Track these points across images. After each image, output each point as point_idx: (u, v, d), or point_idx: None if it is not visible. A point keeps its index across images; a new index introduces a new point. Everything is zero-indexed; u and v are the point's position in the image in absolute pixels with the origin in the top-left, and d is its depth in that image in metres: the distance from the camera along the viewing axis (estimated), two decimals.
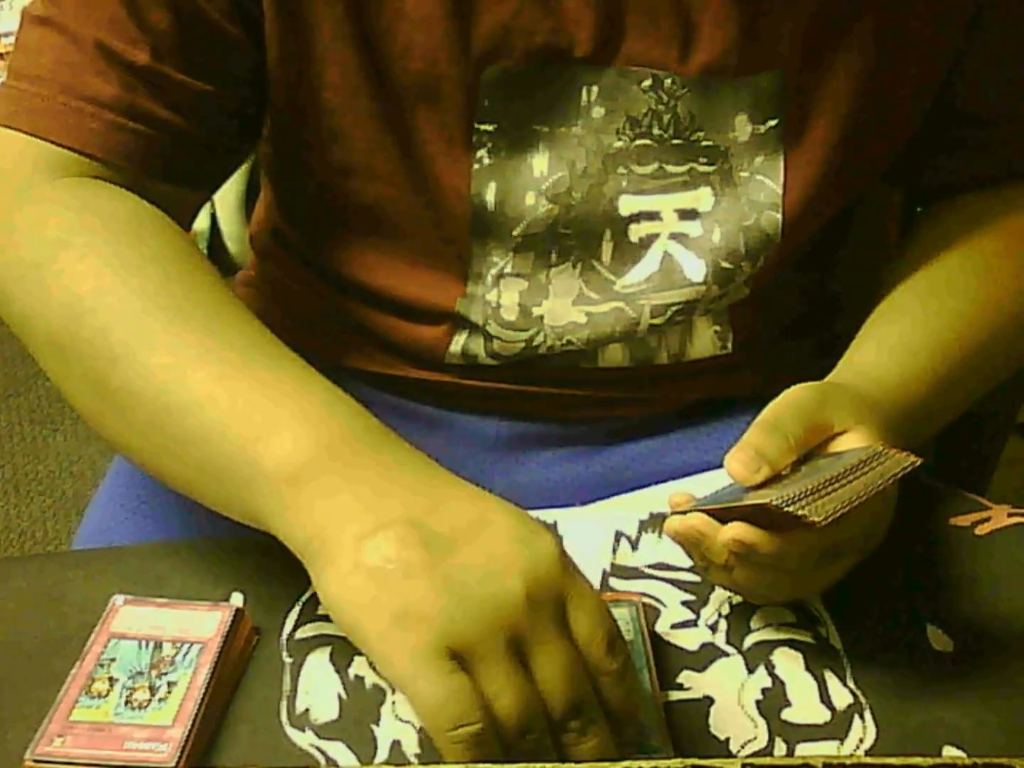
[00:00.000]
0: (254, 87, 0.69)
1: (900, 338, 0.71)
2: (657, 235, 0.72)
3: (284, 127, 0.70)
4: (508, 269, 0.73)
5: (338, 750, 0.56)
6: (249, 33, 0.66)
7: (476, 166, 0.69)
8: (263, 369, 0.57)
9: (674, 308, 0.74)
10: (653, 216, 0.71)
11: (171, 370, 0.57)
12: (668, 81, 0.67)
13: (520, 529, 0.51)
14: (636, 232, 0.72)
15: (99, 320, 0.58)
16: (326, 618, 0.62)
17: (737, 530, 0.55)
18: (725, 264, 0.73)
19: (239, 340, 0.59)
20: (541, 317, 0.74)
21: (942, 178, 0.80)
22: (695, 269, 0.73)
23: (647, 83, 0.67)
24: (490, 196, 0.69)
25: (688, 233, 0.72)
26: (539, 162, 0.69)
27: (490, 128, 0.68)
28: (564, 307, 0.74)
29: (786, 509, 0.52)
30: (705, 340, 0.77)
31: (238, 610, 0.60)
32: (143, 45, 0.63)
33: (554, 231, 0.71)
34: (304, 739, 0.57)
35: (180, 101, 0.65)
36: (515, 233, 0.71)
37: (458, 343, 0.76)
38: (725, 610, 0.64)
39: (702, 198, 0.71)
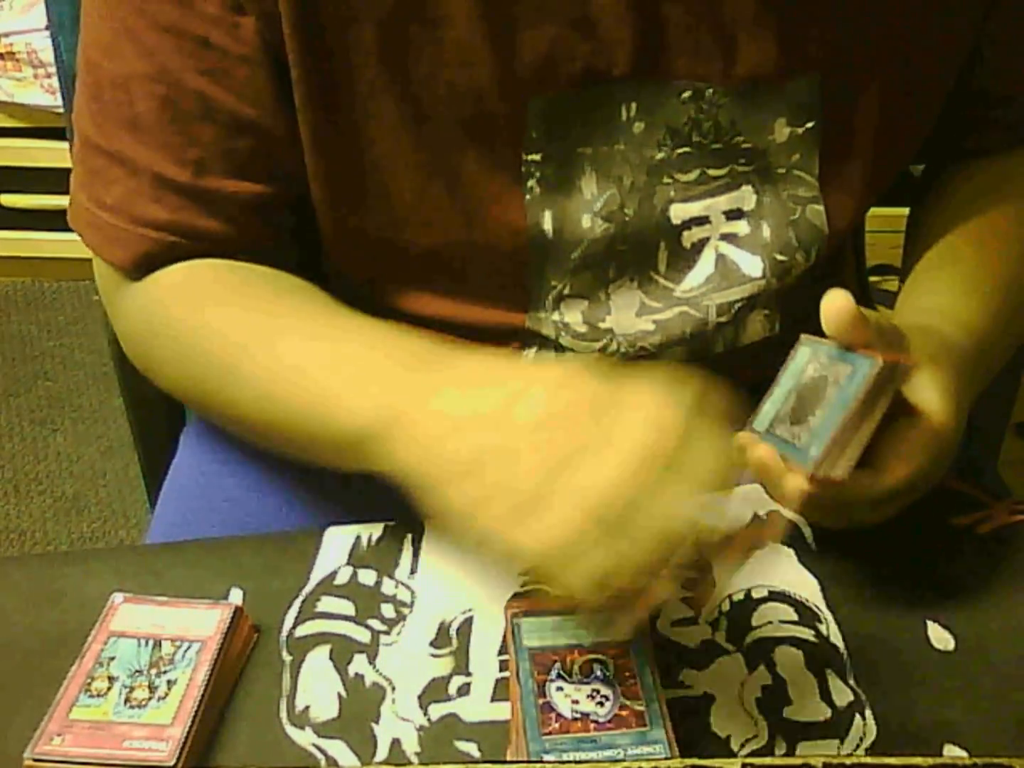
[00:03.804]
0: (301, 178, 0.70)
1: (966, 280, 0.72)
2: (708, 238, 0.73)
3: (326, 191, 0.70)
4: (567, 291, 0.73)
5: (338, 748, 0.56)
6: (289, 122, 0.67)
7: (528, 197, 0.69)
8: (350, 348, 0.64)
9: (738, 304, 0.75)
10: (703, 220, 0.72)
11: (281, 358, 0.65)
12: (709, 92, 0.68)
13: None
14: (688, 238, 0.73)
15: (217, 335, 0.67)
16: (325, 616, 0.62)
17: (799, 481, 0.57)
18: (780, 257, 0.74)
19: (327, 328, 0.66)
20: (610, 329, 0.74)
21: (962, 149, 0.81)
22: (752, 265, 0.74)
23: (687, 95, 0.68)
24: (547, 224, 0.70)
25: (737, 232, 0.73)
26: (588, 184, 0.69)
27: (537, 157, 0.68)
28: (629, 319, 0.74)
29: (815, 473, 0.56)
30: (756, 325, 0.78)
31: (237, 608, 0.60)
32: (188, 163, 0.67)
33: (612, 248, 0.72)
34: (304, 737, 0.57)
35: (227, 209, 0.68)
36: (573, 256, 0.71)
37: (527, 357, 0.76)
38: (726, 607, 0.63)
39: (745, 197, 0.72)
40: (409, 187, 0.68)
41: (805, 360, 0.60)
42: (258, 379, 0.65)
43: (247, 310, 0.68)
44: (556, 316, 0.74)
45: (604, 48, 0.65)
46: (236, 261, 0.71)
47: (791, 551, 0.66)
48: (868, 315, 0.58)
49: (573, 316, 0.74)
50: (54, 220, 2.00)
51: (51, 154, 1.92)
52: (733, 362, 0.79)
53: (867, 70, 0.70)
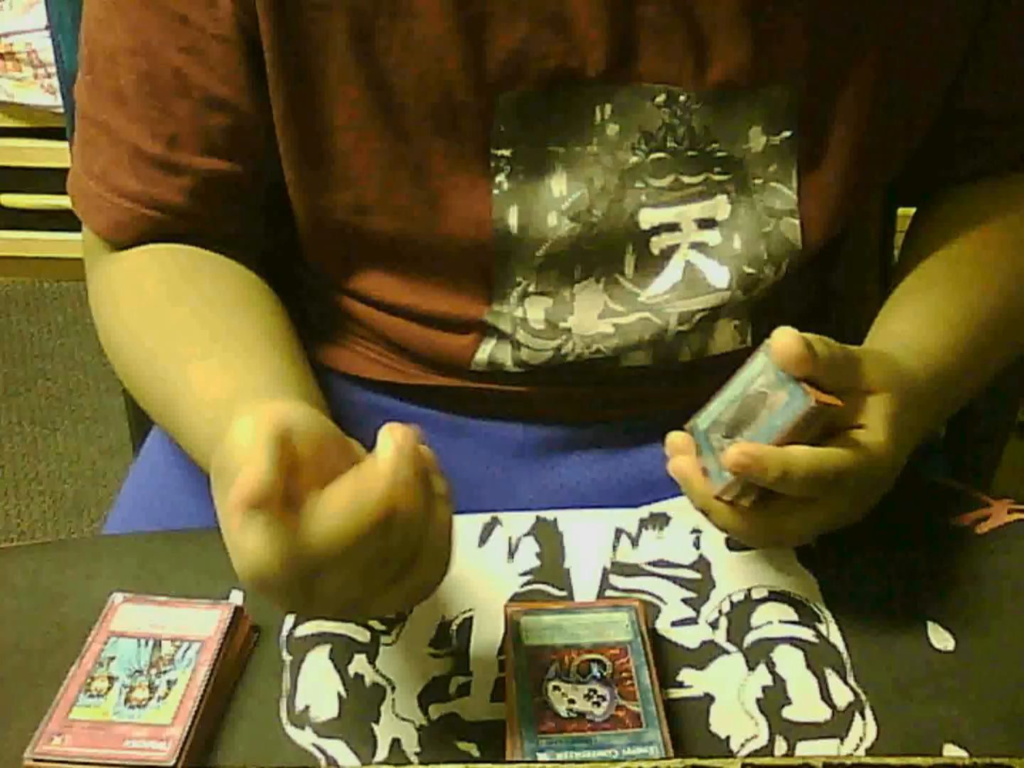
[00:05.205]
0: (272, 159, 0.71)
1: (935, 309, 0.72)
2: (677, 246, 0.73)
3: (296, 172, 0.71)
4: (532, 288, 0.73)
5: (338, 748, 0.56)
6: (262, 104, 0.68)
7: (496, 192, 0.69)
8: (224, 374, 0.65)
9: (700, 314, 0.74)
10: (673, 227, 0.72)
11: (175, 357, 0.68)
12: (682, 97, 0.67)
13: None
14: (657, 244, 0.72)
15: (136, 327, 0.72)
16: (325, 616, 0.62)
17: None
18: (748, 269, 0.73)
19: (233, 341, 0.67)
20: (569, 329, 0.74)
21: (952, 170, 0.80)
22: (718, 276, 0.73)
23: (661, 99, 0.68)
24: (513, 220, 0.70)
25: (708, 242, 0.73)
26: (557, 183, 0.69)
27: (507, 153, 0.68)
28: (590, 320, 0.74)
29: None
30: (726, 336, 0.77)
31: (237, 608, 0.60)
32: (163, 137, 0.69)
33: (577, 249, 0.71)
34: (304, 737, 0.57)
35: (196, 185, 0.70)
36: (538, 254, 0.71)
37: (485, 351, 0.76)
38: (726, 608, 0.64)
39: (719, 206, 0.72)
40: (375, 173, 0.69)
41: (758, 371, 0.60)
42: (164, 383, 0.68)
43: (184, 317, 0.70)
44: (520, 312, 0.73)
45: (578, 47, 0.65)
46: (203, 248, 0.73)
47: (791, 551, 0.66)
48: (819, 348, 0.58)
49: (536, 313, 0.74)
50: (54, 220, 2.00)
51: (51, 154, 1.92)
52: (700, 371, 0.79)
53: (845, 83, 0.69)
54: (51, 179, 1.91)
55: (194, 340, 0.68)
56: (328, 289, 0.79)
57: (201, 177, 0.70)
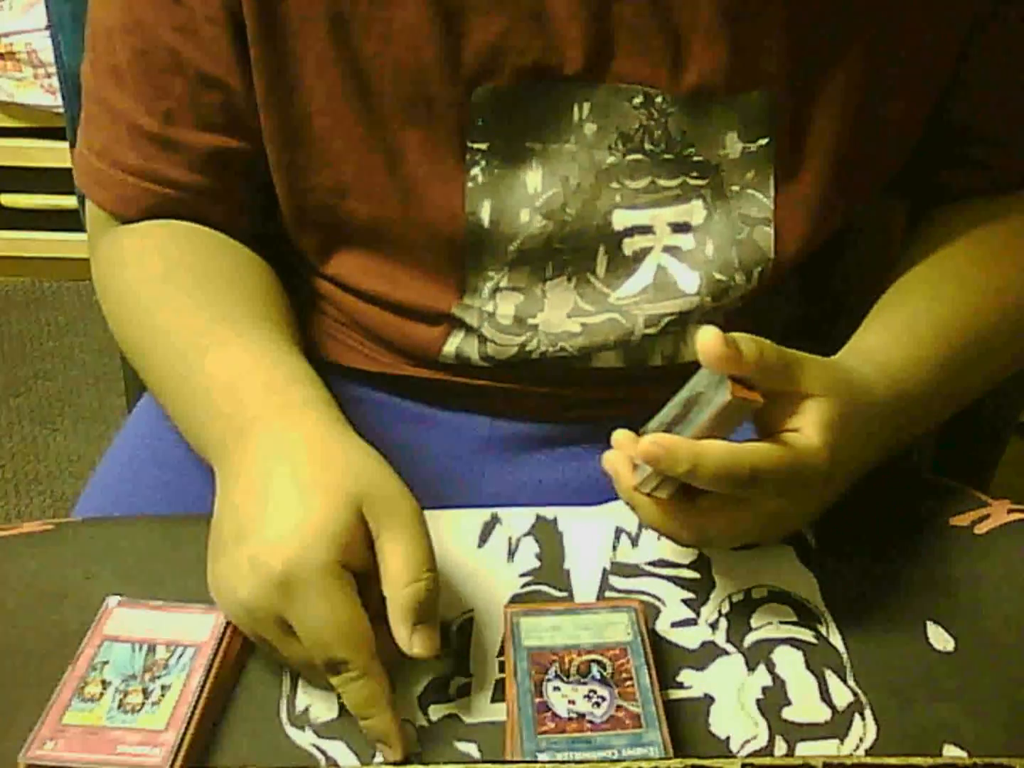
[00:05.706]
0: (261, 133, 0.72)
1: (906, 323, 0.71)
2: (650, 248, 0.72)
3: (277, 153, 0.71)
4: (504, 283, 0.73)
5: (338, 749, 0.56)
6: (251, 83, 0.69)
7: (470, 184, 0.69)
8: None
9: (668, 318, 0.74)
10: (646, 230, 0.72)
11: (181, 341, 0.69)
12: (659, 99, 0.67)
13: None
14: (630, 246, 0.72)
15: (144, 305, 0.72)
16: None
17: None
18: (719, 276, 0.73)
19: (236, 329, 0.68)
20: (536, 325, 0.74)
21: (944, 189, 0.80)
22: (688, 281, 0.73)
23: (638, 100, 0.68)
24: (485, 214, 0.70)
25: (681, 246, 0.72)
26: (532, 179, 0.69)
27: (483, 146, 0.68)
28: (559, 318, 0.74)
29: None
30: None
31: None
32: (158, 113, 0.71)
33: (549, 246, 0.72)
34: (304, 738, 0.57)
35: (194, 160, 0.72)
36: (510, 249, 0.71)
37: (452, 344, 0.76)
38: (725, 608, 0.63)
39: (694, 211, 0.71)
40: (350, 158, 0.70)
41: (703, 373, 0.60)
42: (161, 366, 0.70)
43: (182, 300, 0.71)
44: (490, 306, 0.74)
45: (555, 44, 0.65)
46: (206, 224, 0.74)
47: (791, 551, 0.66)
48: (746, 348, 0.57)
49: (506, 308, 0.74)
50: (54, 220, 2.00)
51: (51, 154, 1.92)
52: (672, 376, 0.78)
53: (825, 92, 0.68)
54: (51, 179, 1.91)
55: (210, 317, 0.69)
56: (308, 273, 0.80)
57: (198, 153, 0.72)
